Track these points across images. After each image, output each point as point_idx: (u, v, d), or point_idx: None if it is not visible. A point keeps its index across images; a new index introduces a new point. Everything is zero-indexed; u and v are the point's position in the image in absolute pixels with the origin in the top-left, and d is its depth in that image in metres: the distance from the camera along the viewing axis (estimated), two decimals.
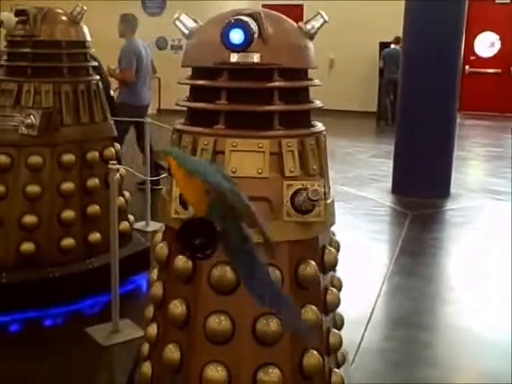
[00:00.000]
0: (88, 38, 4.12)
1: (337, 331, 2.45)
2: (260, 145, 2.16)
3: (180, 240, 1.65)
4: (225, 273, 2.12)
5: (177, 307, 2.20)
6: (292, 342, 2.19)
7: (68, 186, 3.94)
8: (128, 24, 6.69)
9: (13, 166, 3.88)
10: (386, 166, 8.16)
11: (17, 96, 3.91)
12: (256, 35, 2.05)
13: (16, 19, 3.86)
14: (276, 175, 2.16)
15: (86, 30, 4.10)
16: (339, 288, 2.59)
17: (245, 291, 1.82)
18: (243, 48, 1.96)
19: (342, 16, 13.50)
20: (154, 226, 5.34)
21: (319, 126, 2.37)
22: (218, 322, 2.13)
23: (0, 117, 3.85)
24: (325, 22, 2.29)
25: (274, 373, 2.15)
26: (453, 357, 3.61)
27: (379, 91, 13.92)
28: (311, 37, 2.30)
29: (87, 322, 3.78)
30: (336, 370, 2.42)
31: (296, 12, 13.14)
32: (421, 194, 6.89)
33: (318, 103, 2.38)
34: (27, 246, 3.85)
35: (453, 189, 7.24)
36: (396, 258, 5.10)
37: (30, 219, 3.86)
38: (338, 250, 2.60)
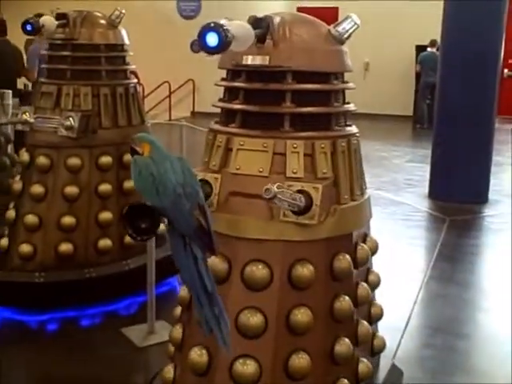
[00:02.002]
0: (126, 41, 4.16)
1: (365, 323, 2.46)
2: (265, 145, 2.24)
3: (127, 221, 1.87)
4: (256, 270, 2.20)
5: None
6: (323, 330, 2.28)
7: (105, 187, 3.99)
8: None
9: (52, 168, 3.93)
10: (422, 171, 8.07)
11: (56, 98, 3.97)
12: (269, 38, 2.19)
13: (56, 23, 3.91)
14: (277, 175, 2.22)
15: (124, 33, 4.14)
16: (376, 283, 2.58)
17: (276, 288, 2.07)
18: (219, 50, 2.01)
19: (378, 19, 13.45)
20: None
21: (339, 129, 2.36)
22: (250, 318, 2.21)
23: (40, 119, 3.91)
24: (355, 25, 2.29)
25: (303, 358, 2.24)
26: (490, 365, 3.54)
27: (415, 95, 13.79)
28: (341, 40, 2.32)
29: (123, 323, 3.81)
30: (363, 359, 2.45)
31: (331, 15, 13.11)
32: (458, 199, 6.79)
33: (335, 107, 2.37)
34: (65, 247, 3.90)
35: (490, 195, 7.12)
36: (433, 264, 5.03)
37: (68, 220, 3.91)
38: (375, 248, 2.59)
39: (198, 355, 2.28)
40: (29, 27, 3.78)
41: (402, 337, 3.74)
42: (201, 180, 2.28)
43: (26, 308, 3.84)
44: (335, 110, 2.37)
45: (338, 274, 2.32)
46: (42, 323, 3.81)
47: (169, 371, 2.43)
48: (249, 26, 2.12)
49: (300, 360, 2.23)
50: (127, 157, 4.07)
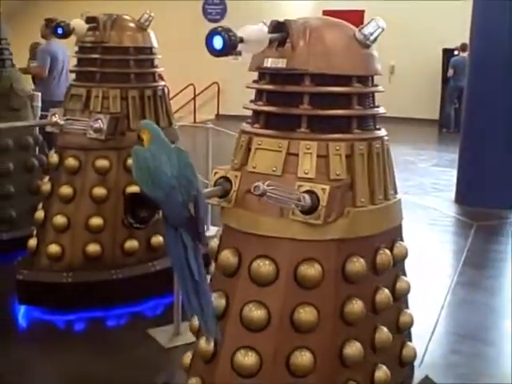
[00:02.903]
0: (155, 44, 4.19)
1: (385, 330, 2.44)
2: (280, 145, 2.32)
3: (127, 208, 1.99)
4: (263, 266, 2.27)
5: (217, 299, 2.35)
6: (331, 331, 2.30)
7: (133, 189, 4.01)
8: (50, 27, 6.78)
9: (80, 169, 3.97)
10: (449, 175, 8.01)
11: (86, 100, 4.01)
12: (288, 42, 2.28)
13: (87, 26, 3.96)
14: (290, 175, 2.28)
15: (153, 36, 4.17)
16: (405, 291, 2.56)
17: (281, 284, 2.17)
18: (224, 53, 2.11)
19: (404, 22, 13.37)
20: (213, 230, 5.38)
21: (360, 132, 2.37)
22: (254, 311, 2.28)
23: (69, 120, 3.95)
24: (379, 28, 2.31)
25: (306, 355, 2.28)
26: None
27: (442, 98, 13.68)
28: (365, 44, 2.34)
29: (149, 324, 3.84)
30: (382, 366, 2.44)
31: (356, 18, 13.06)
32: (486, 204, 6.71)
33: (356, 110, 2.38)
34: (93, 248, 3.94)
35: None
36: (460, 270, 4.98)
37: (96, 221, 3.94)
38: (402, 255, 2.57)
39: (205, 343, 2.38)
40: (60, 30, 3.83)
41: (428, 343, 3.71)
42: (222, 177, 2.39)
43: (54, 308, 3.89)
44: (355, 113, 2.38)
45: (350, 276, 2.32)
46: (69, 323, 3.86)
47: (187, 357, 2.52)
48: (263, 30, 2.21)
49: (302, 357, 2.27)
50: None
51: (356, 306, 2.32)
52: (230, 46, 2.10)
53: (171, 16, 13.06)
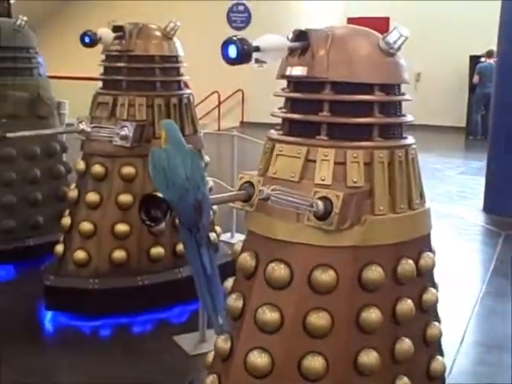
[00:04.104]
0: (181, 52, 4.22)
1: (407, 341, 2.40)
2: (299, 151, 2.35)
3: (142, 208, 2.08)
4: (277, 270, 2.30)
5: (235, 300, 2.41)
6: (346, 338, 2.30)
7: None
8: None
9: (107, 176, 4.01)
10: (476, 183, 7.92)
11: (112, 108, 4.05)
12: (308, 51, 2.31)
13: (113, 35, 4.00)
14: (307, 181, 2.31)
15: (178, 44, 4.20)
16: (432, 303, 2.53)
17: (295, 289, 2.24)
18: (238, 62, 2.17)
19: (430, 29, 13.30)
20: (239, 237, 5.39)
21: (380, 140, 2.36)
22: (267, 314, 2.30)
23: (96, 128, 3.99)
24: (402, 37, 2.31)
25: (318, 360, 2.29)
26: None
27: (469, 105, 13.56)
28: (388, 53, 2.34)
29: (174, 331, 3.85)
30: (404, 377, 2.41)
31: (381, 25, 13.01)
32: None
33: (377, 118, 2.37)
34: (119, 254, 3.97)
35: None
36: (489, 279, 4.92)
37: (122, 228, 3.97)
38: (428, 267, 2.53)
39: (223, 341, 2.46)
40: (87, 39, 3.87)
41: (457, 353, 3.66)
42: (246, 182, 2.45)
43: (81, 313, 3.93)
44: (376, 121, 2.38)
45: (367, 284, 2.31)
46: (95, 329, 3.89)
47: (210, 381, 2.51)
48: (280, 39, 2.27)
49: (315, 362, 2.27)
50: None
51: (373, 314, 2.30)
52: (244, 55, 2.16)
53: (196, 24, 13.15)
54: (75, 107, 4.95)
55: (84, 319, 3.91)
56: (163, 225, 2.18)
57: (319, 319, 2.27)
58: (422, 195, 2.55)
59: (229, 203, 2.54)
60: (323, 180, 2.31)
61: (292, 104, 2.48)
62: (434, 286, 2.62)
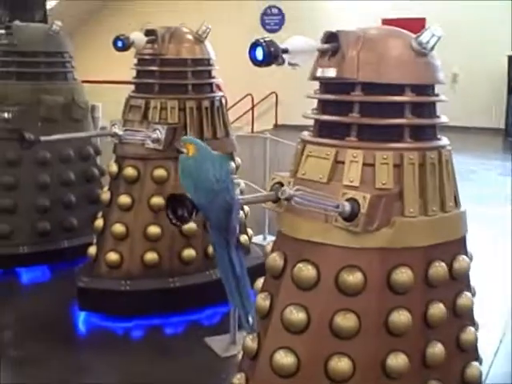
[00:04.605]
0: (212, 55, 4.23)
1: (439, 345, 2.38)
2: (327, 153, 2.36)
3: (168, 207, 2.11)
4: (305, 270, 2.32)
5: (263, 299, 2.46)
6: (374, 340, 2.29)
7: None
8: None
9: (139, 179, 4.04)
10: None
11: (144, 112, 4.08)
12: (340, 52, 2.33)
13: (145, 38, 4.03)
14: (335, 183, 2.32)
15: (210, 47, 4.21)
16: (467, 308, 2.49)
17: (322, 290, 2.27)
18: (265, 64, 2.22)
19: (467, 29, 13.12)
20: (271, 240, 5.35)
21: (412, 142, 2.34)
22: (294, 314, 2.32)
23: (128, 131, 4.03)
24: (434, 36, 2.29)
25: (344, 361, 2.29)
26: None
27: (507, 107, 13.33)
28: (421, 53, 2.32)
29: (205, 332, 3.85)
30: (434, 382, 2.39)
31: (417, 26, 12.83)
32: None
33: (409, 119, 2.36)
34: (151, 256, 3.99)
35: None
36: None
37: (154, 230, 3.99)
38: (463, 270, 2.49)
39: (251, 340, 2.49)
40: (120, 44, 3.91)
41: (490, 367, 3.58)
42: (277, 183, 2.47)
43: (113, 314, 3.96)
44: (407, 122, 2.36)
45: (395, 286, 2.30)
46: (127, 330, 3.92)
47: (238, 379, 2.54)
48: (309, 41, 2.30)
49: (341, 363, 2.27)
50: None
51: (402, 317, 2.28)
52: (271, 57, 2.20)
53: (230, 27, 13.19)
54: (109, 111, 5.00)
55: (116, 320, 3.94)
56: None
57: (346, 320, 2.27)
58: (456, 198, 2.52)
59: (259, 204, 2.56)
60: (351, 181, 2.31)
61: (322, 105, 2.50)
62: (470, 290, 2.58)
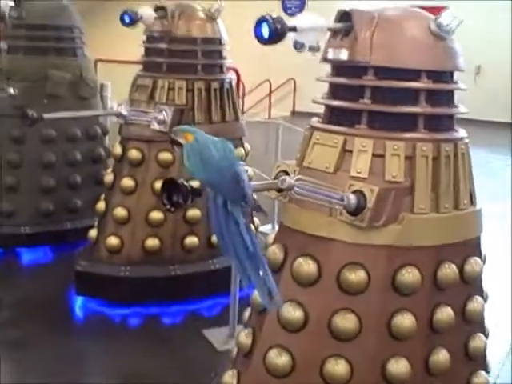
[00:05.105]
0: (224, 35, 4.06)
1: (444, 352, 2.25)
2: (335, 140, 2.21)
3: (162, 193, 2.06)
4: (305, 265, 2.21)
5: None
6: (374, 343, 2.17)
7: (195, 183, 3.89)
8: None
9: (143, 161, 3.90)
10: None
11: (151, 91, 3.93)
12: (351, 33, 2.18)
13: (155, 14, 3.87)
14: (342, 173, 2.18)
15: (222, 26, 4.04)
16: (477, 313, 2.34)
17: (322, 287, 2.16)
18: (271, 42, 2.09)
19: (492, 20, 12.79)
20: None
21: (427, 132, 2.19)
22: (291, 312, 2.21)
23: (134, 112, 3.88)
24: (455, 19, 2.14)
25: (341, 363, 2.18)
26: None
27: None
28: (440, 36, 2.18)
29: (204, 324, 3.73)
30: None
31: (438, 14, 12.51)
32: None
33: (424, 107, 2.21)
34: (152, 242, 3.85)
35: None
36: None
37: (156, 215, 3.85)
38: (475, 273, 2.32)
39: (245, 336, 2.37)
40: (127, 19, 3.76)
41: (501, 368, 3.41)
42: (282, 171, 2.35)
43: (110, 301, 3.84)
44: (422, 111, 2.20)
45: (401, 287, 2.17)
46: (124, 317, 3.80)
47: (230, 376, 2.41)
48: (318, 19, 2.17)
49: (339, 366, 2.16)
50: None
51: (406, 320, 2.15)
52: (277, 35, 2.07)
53: (249, 11, 12.97)
54: (123, 90, 4.86)
55: (114, 307, 3.82)
56: None
57: (345, 321, 2.16)
58: (472, 195, 2.36)
59: (263, 192, 2.42)
60: (359, 173, 2.18)
61: (333, 90, 2.36)
62: (482, 294, 2.44)
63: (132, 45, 4.25)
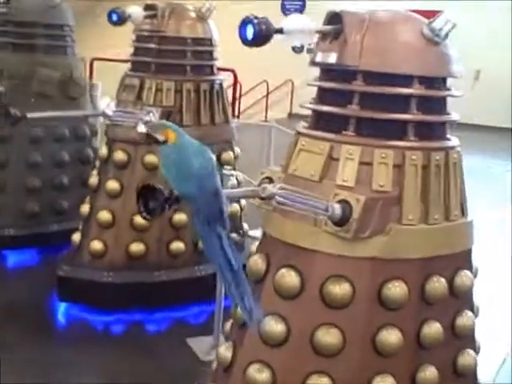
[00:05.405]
0: (215, 35, 3.95)
1: (433, 370, 2.15)
2: (321, 147, 2.12)
3: (138, 199, 1.95)
4: (288, 277, 2.12)
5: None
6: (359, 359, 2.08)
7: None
8: None
9: (129, 164, 3.79)
10: None
11: (139, 92, 3.83)
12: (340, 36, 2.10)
13: (144, 13, 3.77)
14: (329, 181, 2.09)
15: (213, 26, 3.94)
16: (466, 329, 2.26)
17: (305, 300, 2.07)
18: (256, 43, 2.02)
19: (491, 25, 12.71)
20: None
21: (416, 140, 2.11)
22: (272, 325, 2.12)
23: (119, 112, 3.77)
24: (449, 22, 2.07)
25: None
26: None
27: None
28: (433, 41, 2.10)
29: (189, 332, 3.64)
30: None
31: None
32: None
33: (414, 114, 2.12)
34: (137, 247, 3.75)
35: None
36: None
37: (141, 219, 3.70)
38: (465, 287, 2.23)
39: (224, 350, 2.29)
40: (114, 17, 3.67)
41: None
42: (267, 178, 2.27)
43: (93, 307, 3.74)
44: (412, 118, 2.11)
45: (387, 301, 2.08)
46: (107, 324, 3.71)
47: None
48: (306, 21, 2.11)
49: (322, 383, 2.08)
50: None
51: (393, 336, 2.07)
52: (263, 36, 2.01)
53: (249, 12, 12.88)
54: (112, 90, 4.76)
55: (96, 313, 3.72)
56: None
57: (329, 336, 2.08)
58: (463, 206, 2.27)
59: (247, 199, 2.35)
60: (345, 181, 2.09)
61: (321, 94, 2.28)
62: (473, 308, 2.34)
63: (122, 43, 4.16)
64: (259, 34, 2.02)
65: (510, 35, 13.10)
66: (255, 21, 2.02)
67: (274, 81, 13.86)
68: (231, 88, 9.39)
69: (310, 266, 2.12)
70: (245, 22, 2.05)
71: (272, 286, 2.17)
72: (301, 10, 13.54)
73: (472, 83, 13.11)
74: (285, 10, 13.62)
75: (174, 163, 2.02)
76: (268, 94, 13.88)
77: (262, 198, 2.20)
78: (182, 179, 2.00)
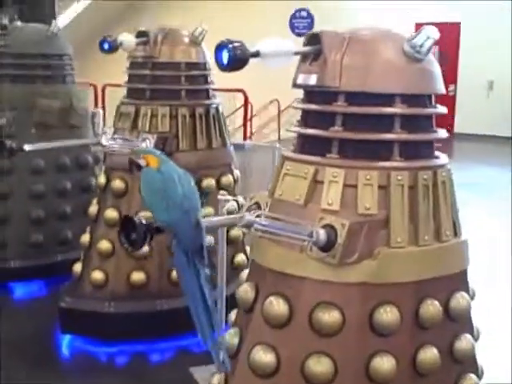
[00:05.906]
0: (208, 59, 3.92)
1: None
2: (305, 170, 2.10)
3: (122, 230, 1.99)
4: (276, 305, 2.08)
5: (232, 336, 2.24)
6: None
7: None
8: None
9: (127, 192, 3.75)
10: None
11: (134, 119, 3.79)
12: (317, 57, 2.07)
13: (135, 40, 3.76)
14: (314, 205, 2.06)
15: (206, 50, 3.91)
16: (465, 353, 2.16)
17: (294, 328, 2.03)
18: (231, 68, 2.00)
19: (505, 35, 12.57)
20: None
21: (401, 160, 2.05)
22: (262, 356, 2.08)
23: (115, 140, 3.75)
24: (429, 39, 2.00)
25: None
26: None
27: None
28: (415, 58, 2.04)
29: (193, 361, 3.54)
30: None
31: (453, 31, 12.39)
32: None
33: (399, 133, 2.06)
34: (137, 276, 3.69)
35: None
36: None
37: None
38: (461, 311, 2.15)
39: (216, 380, 2.30)
40: (106, 45, 3.65)
41: None
42: (255, 203, 2.24)
43: (95, 338, 3.69)
44: (396, 138, 2.05)
45: (379, 327, 2.01)
46: (109, 356, 3.64)
47: None
48: (284, 43, 2.06)
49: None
50: (206, 182, 3.81)
51: (387, 363, 1.99)
52: (238, 61, 1.96)
53: (259, 30, 12.89)
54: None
55: (99, 344, 3.66)
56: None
57: (320, 365, 2.01)
58: (456, 225, 2.19)
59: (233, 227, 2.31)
60: (330, 205, 2.04)
61: (305, 117, 2.23)
62: (472, 331, 2.25)
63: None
64: (234, 59, 1.98)
65: None
66: (230, 46, 1.98)
67: (285, 100, 13.80)
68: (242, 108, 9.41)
69: (298, 293, 2.06)
70: (220, 47, 2.00)
71: (261, 315, 2.11)
72: (309, 27, 13.52)
73: (487, 93, 12.96)
74: (293, 29, 13.60)
75: (158, 190, 2.00)
76: (280, 113, 13.82)
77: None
78: (167, 207, 1.98)
